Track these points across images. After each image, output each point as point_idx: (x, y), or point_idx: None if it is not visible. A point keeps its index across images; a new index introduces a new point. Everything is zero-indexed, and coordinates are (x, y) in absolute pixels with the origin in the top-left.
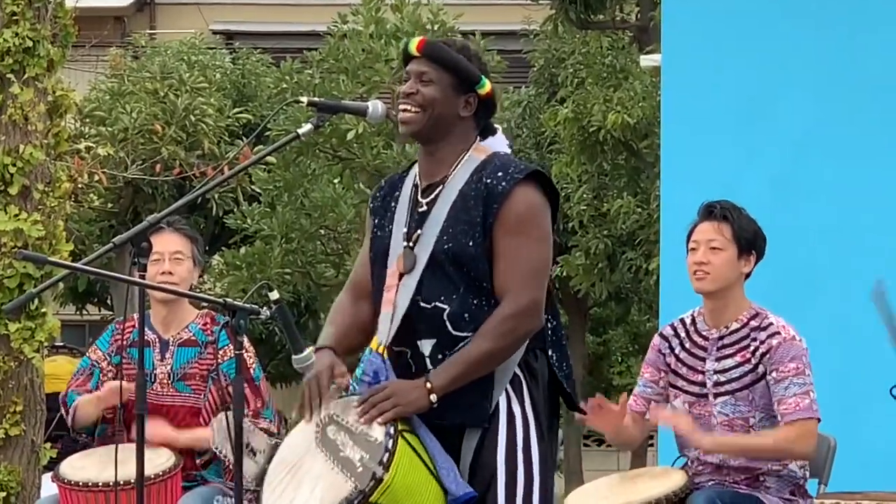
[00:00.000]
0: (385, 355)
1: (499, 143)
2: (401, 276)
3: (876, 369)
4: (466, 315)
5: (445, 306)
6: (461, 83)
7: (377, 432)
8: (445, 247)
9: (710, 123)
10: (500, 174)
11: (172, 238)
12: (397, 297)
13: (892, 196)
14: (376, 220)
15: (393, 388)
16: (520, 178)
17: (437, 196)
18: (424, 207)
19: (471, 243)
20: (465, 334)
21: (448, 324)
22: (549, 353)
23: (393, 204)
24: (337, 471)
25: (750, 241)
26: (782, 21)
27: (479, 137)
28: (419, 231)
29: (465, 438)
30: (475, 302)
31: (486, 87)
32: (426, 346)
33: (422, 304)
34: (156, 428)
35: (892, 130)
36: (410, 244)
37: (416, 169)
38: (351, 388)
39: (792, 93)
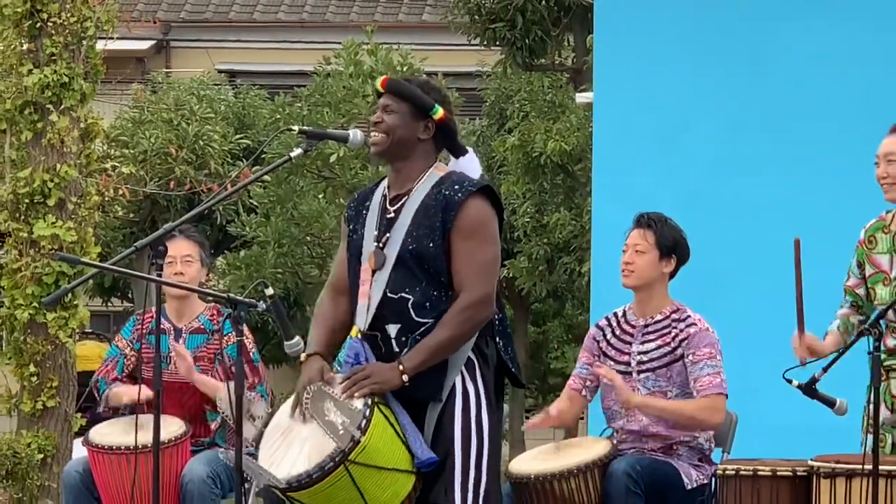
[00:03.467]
0: (359, 338)
1: (470, 160)
2: (373, 272)
3: (772, 357)
4: (427, 304)
5: (410, 297)
6: (418, 111)
7: (357, 403)
8: (410, 247)
9: (633, 149)
10: (456, 187)
11: (183, 244)
12: (371, 290)
13: (784, 209)
14: (350, 226)
15: (371, 369)
16: (473, 191)
17: (402, 205)
18: (392, 214)
19: (431, 244)
20: (425, 320)
21: (412, 311)
22: (497, 340)
23: (364, 212)
24: (322, 432)
25: (670, 247)
26: (692, 64)
27: (451, 156)
28: (388, 234)
29: (427, 412)
30: (434, 293)
31: (439, 112)
32: (392, 329)
33: (390, 295)
34: (180, 351)
35: (785, 153)
36: (380, 245)
37: (384, 183)
38: (335, 368)
39: (701, 124)
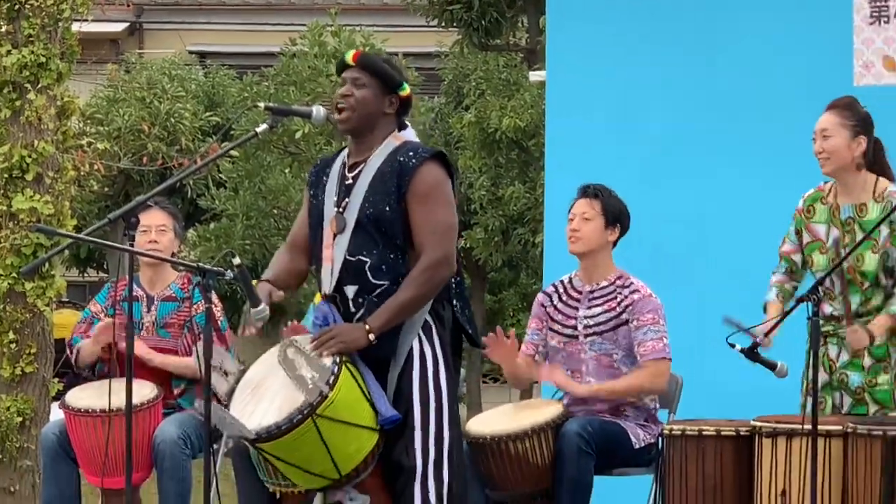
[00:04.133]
0: (320, 301)
1: (409, 134)
2: (334, 235)
3: (717, 322)
4: (383, 266)
5: (367, 259)
6: (387, 86)
7: (327, 360)
8: (368, 212)
9: (585, 126)
10: (410, 153)
11: (159, 214)
12: (334, 253)
13: (735, 184)
14: (312, 192)
15: (339, 329)
16: (426, 157)
17: (360, 172)
18: (350, 181)
19: (387, 209)
20: (381, 282)
21: (369, 273)
22: (454, 302)
23: (325, 178)
24: (290, 386)
25: (615, 216)
26: (642, 44)
27: (396, 128)
28: (346, 199)
29: (389, 371)
30: (391, 256)
31: (406, 90)
32: (350, 290)
33: (349, 258)
34: (137, 347)
35: (732, 131)
36: (340, 210)
37: (345, 152)
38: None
39: (649, 102)
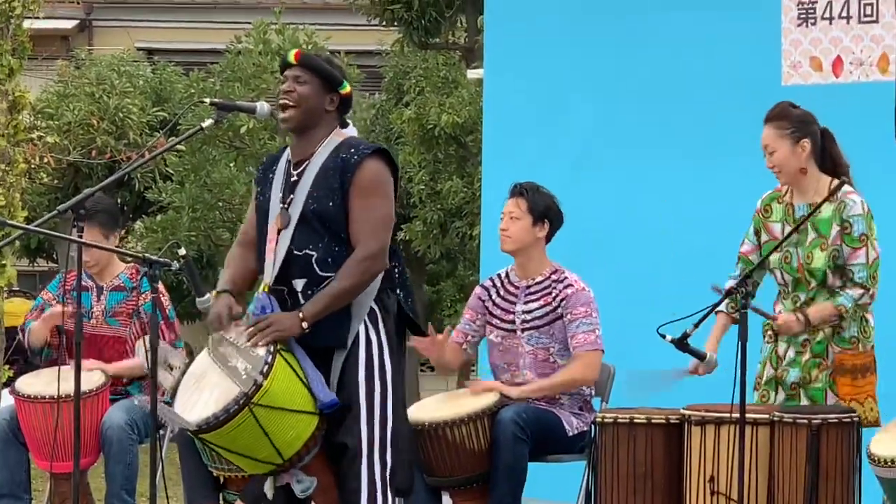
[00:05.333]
0: (266, 292)
1: (351, 131)
2: (279, 231)
3: (648, 312)
4: (329, 259)
5: (314, 253)
6: (328, 84)
7: (260, 350)
8: (312, 207)
9: (519, 122)
10: (352, 150)
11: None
12: (277, 248)
13: (660, 175)
14: (259, 189)
15: (272, 318)
16: (368, 153)
17: (304, 169)
18: (295, 178)
19: (331, 204)
20: (328, 274)
21: (315, 266)
22: (398, 291)
23: (271, 176)
24: (227, 378)
25: (542, 212)
26: (573, 45)
27: (338, 126)
28: (291, 196)
29: (333, 359)
30: (336, 249)
31: (347, 88)
32: (299, 284)
33: (295, 252)
34: (91, 364)
35: (654, 125)
36: (285, 206)
37: (289, 150)
38: (245, 320)
39: (581, 99)
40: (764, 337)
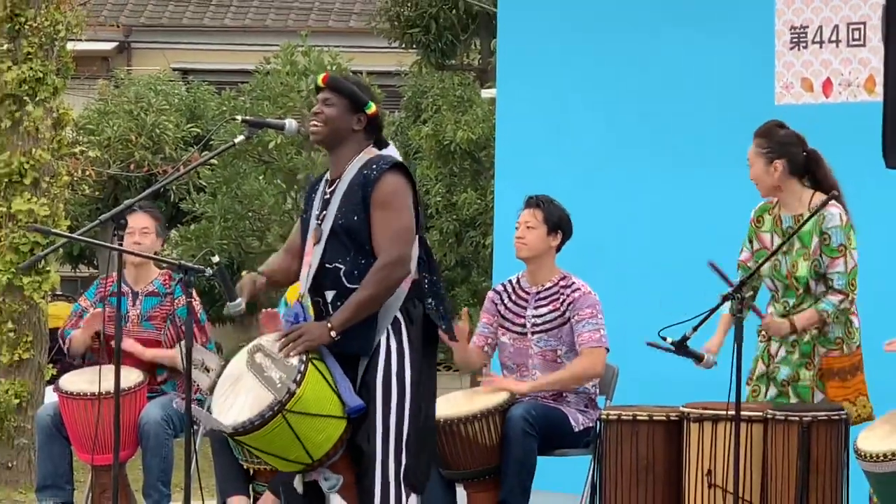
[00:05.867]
0: (305, 303)
1: (391, 151)
2: (314, 244)
3: (649, 316)
4: (356, 272)
5: (342, 266)
6: (354, 105)
7: (293, 360)
8: (340, 222)
9: (530, 138)
10: (373, 166)
11: (142, 217)
12: (312, 260)
13: (657, 190)
14: (304, 206)
15: (304, 329)
16: (386, 168)
17: (336, 187)
18: (328, 195)
19: (356, 218)
20: (355, 286)
21: (344, 279)
22: (428, 300)
23: (313, 195)
24: (262, 386)
25: (556, 223)
26: (582, 66)
27: (373, 146)
28: (324, 212)
29: (359, 366)
30: (362, 262)
31: (373, 108)
32: (329, 295)
33: (326, 265)
34: (128, 345)
35: (658, 143)
36: (319, 222)
37: (328, 172)
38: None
39: (588, 117)
40: (758, 335)
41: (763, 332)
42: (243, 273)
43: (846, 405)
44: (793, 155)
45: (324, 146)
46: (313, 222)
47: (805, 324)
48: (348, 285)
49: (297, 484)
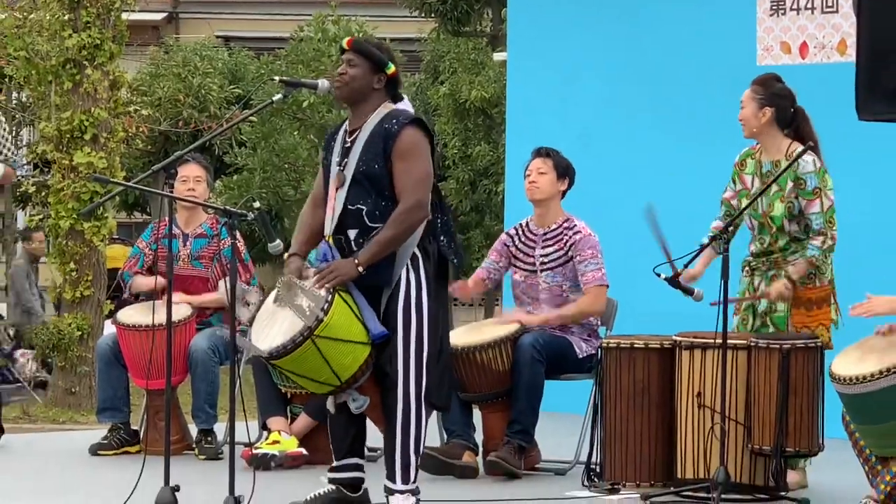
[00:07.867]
0: (330, 242)
1: (406, 105)
2: (337, 189)
3: (645, 254)
4: (377, 212)
5: (364, 207)
6: (374, 66)
7: (322, 291)
8: (362, 168)
9: (537, 97)
10: (394, 121)
11: (195, 167)
12: (335, 204)
13: (653, 144)
14: (324, 154)
15: (334, 266)
16: (406, 123)
17: (356, 137)
18: (349, 144)
19: (377, 166)
20: (376, 225)
21: (366, 219)
22: (441, 238)
23: (332, 143)
24: (293, 313)
25: (564, 170)
26: (584, 29)
27: (391, 101)
28: (346, 159)
29: (382, 297)
30: (383, 204)
31: (392, 68)
32: (352, 233)
33: (349, 207)
34: (179, 298)
35: (655, 99)
36: (341, 168)
37: (347, 122)
38: (306, 264)
39: (591, 78)
40: (742, 271)
41: (747, 269)
42: (284, 221)
43: (806, 332)
44: (782, 107)
45: (347, 102)
46: (334, 168)
47: (799, 273)
48: (370, 224)
49: (330, 405)
